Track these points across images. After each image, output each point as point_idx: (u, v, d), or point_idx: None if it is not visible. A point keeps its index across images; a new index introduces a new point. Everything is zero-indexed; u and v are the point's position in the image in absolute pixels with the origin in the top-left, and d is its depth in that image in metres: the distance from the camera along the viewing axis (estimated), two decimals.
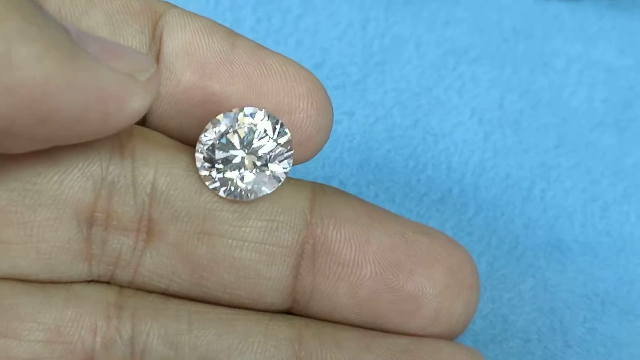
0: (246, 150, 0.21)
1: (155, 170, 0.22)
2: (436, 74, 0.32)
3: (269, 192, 0.22)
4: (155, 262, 0.22)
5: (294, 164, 0.22)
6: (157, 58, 0.22)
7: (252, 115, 0.21)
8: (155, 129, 0.22)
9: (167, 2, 0.22)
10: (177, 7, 0.22)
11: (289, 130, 0.21)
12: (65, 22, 0.20)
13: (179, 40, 0.21)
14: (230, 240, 0.21)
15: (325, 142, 0.22)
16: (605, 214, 0.31)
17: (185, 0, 0.26)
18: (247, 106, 0.21)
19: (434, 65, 0.33)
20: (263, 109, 0.21)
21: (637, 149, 0.32)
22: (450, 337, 0.23)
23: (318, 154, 0.30)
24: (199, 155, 0.21)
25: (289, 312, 0.23)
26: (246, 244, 0.21)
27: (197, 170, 0.21)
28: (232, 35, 0.22)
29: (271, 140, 0.21)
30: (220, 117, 0.21)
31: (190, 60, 0.21)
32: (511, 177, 0.31)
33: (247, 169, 0.21)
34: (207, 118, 0.21)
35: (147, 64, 0.20)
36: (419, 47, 0.33)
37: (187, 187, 0.22)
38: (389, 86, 0.32)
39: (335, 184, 0.30)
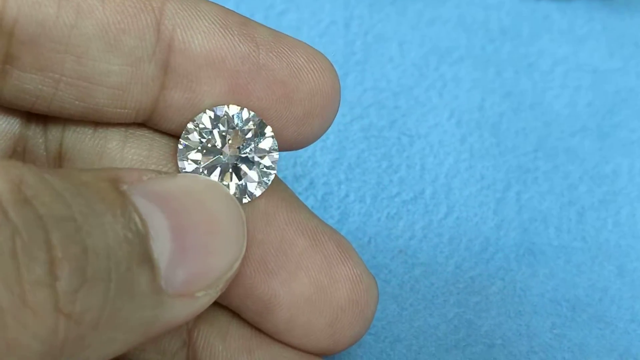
0: (233, 153, 0.21)
1: (63, 129, 0.21)
2: (418, 74, 0.32)
3: (254, 196, 0.21)
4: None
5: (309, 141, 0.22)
6: (167, 65, 0.20)
7: (237, 116, 0.21)
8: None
9: None
10: None
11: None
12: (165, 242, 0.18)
13: (198, 45, 0.20)
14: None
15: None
16: (582, 219, 0.30)
17: None
18: (233, 105, 0.21)
19: (415, 65, 0.32)
20: (246, 109, 0.21)
21: (618, 156, 0.31)
22: (316, 352, 0.22)
23: (290, 153, 0.30)
24: (183, 156, 0.21)
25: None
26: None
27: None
28: (247, 25, 0.21)
29: (257, 146, 0.21)
30: (203, 116, 0.20)
31: (218, 71, 0.20)
32: (486, 178, 0.30)
33: (232, 174, 0.21)
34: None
35: (226, 272, 0.19)
36: (402, 46, 0.33)
37: (91, 149, 0.21)
38: (368, 85, 0.32)
39: (305, 183, 0.30)
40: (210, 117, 0.21)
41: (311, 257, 0.21)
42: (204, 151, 0.21)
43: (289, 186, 0.30)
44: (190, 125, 0.21)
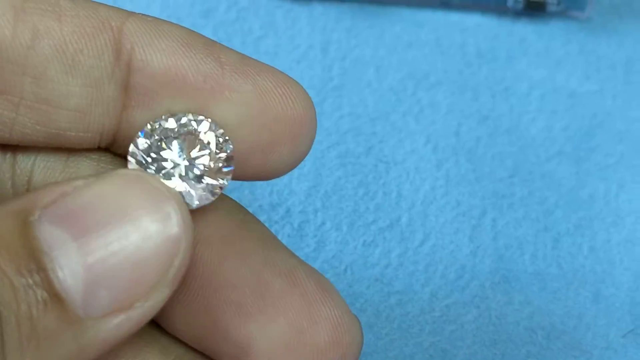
0: (183, 158, 0.20)
1: (33, 163, 0.21)
2: (395, 99, 0.32)
3: (198, 205, 0.20)
4: None
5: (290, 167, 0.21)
6: (127, 85, 0.20)
7: (197, 122, 0.20)
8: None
9: (123, 10, 0.20)
10: (135, 14, 0.20)
11: (247, 147, 0.20)
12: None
13: (157, 63, 0.19)
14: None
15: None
16: (557, 245, 0.30)
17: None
18: (193, 113, 0.20)
19: (393, 90, 0.33)
20: (210, 119, 0.20)
21: (594, 180, 0.32)
22: None
23: (266, 181, 0.30)
24: (131, 159, 0.20)
25: None
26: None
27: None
28: (212, 46, 0.20)
29: (212, 154, 0.20)
30: (161, 119, 0.20)
31: (178, 90, 0.19)
32: (462, 205, 0.31)
33: (180, 178, 0.20)
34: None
35: (165, 272, 0.17)
36: (379, 71, 0.33)
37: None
38: (346, 111, 0.32)
39: (281, 211, 0.30)
40: (148, 130, 0.20)
41: (289, 298, 0.20)
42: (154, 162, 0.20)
43: (265, 214, 0.30)
44: (132, 149, 0.20)
